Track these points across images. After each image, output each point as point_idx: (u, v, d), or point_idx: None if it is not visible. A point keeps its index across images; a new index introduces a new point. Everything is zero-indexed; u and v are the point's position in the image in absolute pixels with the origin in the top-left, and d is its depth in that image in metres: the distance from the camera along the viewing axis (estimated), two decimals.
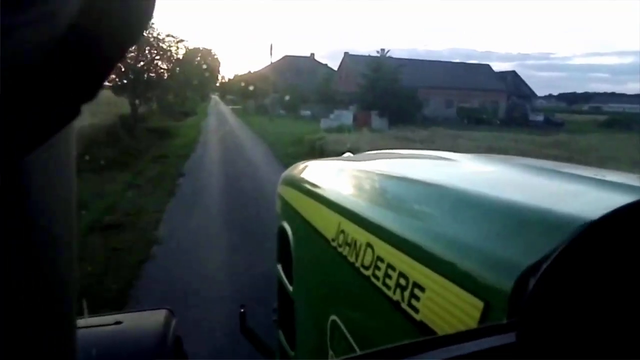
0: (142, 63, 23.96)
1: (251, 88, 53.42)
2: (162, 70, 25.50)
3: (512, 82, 59.58)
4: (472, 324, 0.76)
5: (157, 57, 24.59)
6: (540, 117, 52.12)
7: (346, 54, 56.27)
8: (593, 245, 0.65)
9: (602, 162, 13.03)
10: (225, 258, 6.57)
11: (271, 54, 49.05)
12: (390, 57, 41.99)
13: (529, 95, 61.29)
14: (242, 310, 2.54)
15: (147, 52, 23.70)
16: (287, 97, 45.40)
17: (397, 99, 36.55)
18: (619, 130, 39.72)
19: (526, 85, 61.95)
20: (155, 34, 23.94)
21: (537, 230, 0.82)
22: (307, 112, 43.43)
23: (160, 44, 24.45)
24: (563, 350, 0.60)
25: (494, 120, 48.04)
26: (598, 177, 1.13)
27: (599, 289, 0.64)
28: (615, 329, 0.63)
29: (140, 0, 0.33)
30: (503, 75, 60.67)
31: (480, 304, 0.76)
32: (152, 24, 23.86)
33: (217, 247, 7.05)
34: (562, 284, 0.64)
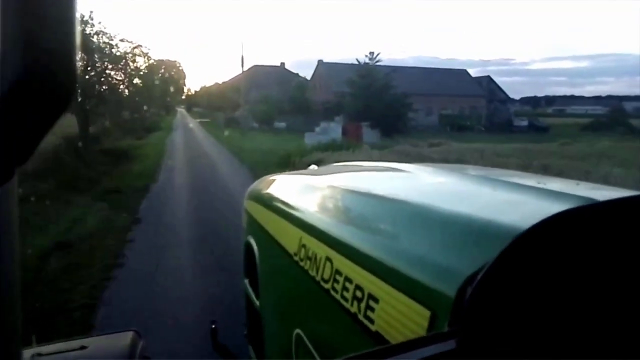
0: (92, 73, 20.10)
1: (220, 100, 49.96)
2: (116, 82, 21.65)
3: (488, 87, 58.01)
4: (421, 332, 0.79)
5: (110, 67, 20.75)
6: (524, 122, 50.19)
7: (320, 62, 53.38)
8: (525, 253, 0.68)
9: None
10: None
11: (242, 65, 45.08)
12: (377, 64, 37.96)
13: (505, 100, 59.76)
14: (213, 326, 2.40)
15: (97, 59, 19.79)
16: (259, 109, 41.78)
17: (390, 108, 33.24)
18: (609, 133, 37.90)
19: (501, 90, 60.51)
20: (106, 39, 20.12)
21: (477, 241, 0.87)
22: (282, 124, 40.02)
23: (113, 51, 20.66)
24: (500, 356, 0.64)
25: (477, 126, 45.86)
26: (539, 185, 1.20)
27: (534, 295, 0.68)
28: (551, 333, 0.66)
29: (68, 65, 0.34)
30: (479, 80, 59.03)
31: (427, 313, 0.79)
32: (105, 28, 20.12)
33: None
34: (498, 292, 0.68)
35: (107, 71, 20.80)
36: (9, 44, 0.32)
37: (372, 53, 38.63)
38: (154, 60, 29.00)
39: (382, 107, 32.86)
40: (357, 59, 39.13)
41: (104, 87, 20.83)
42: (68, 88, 0.35)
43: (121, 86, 22.41)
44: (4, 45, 0.32)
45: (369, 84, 35.18)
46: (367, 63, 38.04)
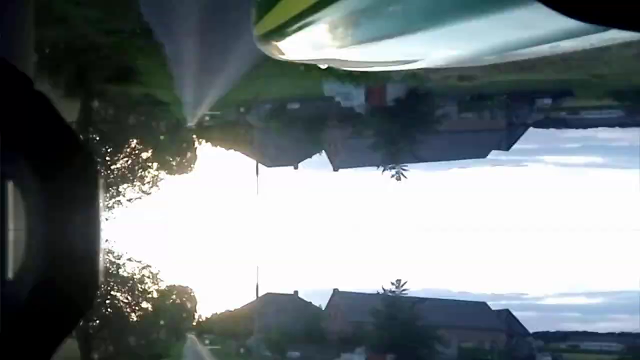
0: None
1: (231, 326, 48.14)
2: (122, 305, 20.77)
3: (506, 320, 55.59)
4: None
5: (116, 288, 20.21)
6: (548, 358, 45.81)
7: (335, 290, 52.83)
8: None
9: None
10: None
11: (257, 294, 44.13)
12: (402, 295, 37.68)
13: (524, 334, 56.64)
14: None
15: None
16: (272, 337, 39.54)
17: (417, 340, 32.33)
18: None
19: (520, 324, 57.84)
20: (112, 258, 19.90)
21: None
22: (296, 354, 37.29)
23: (120, 271, 20.37)
24: None
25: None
26: None
27: None
28: None
29: (89, 274, 0.39)
30: (497, 313, 57.07)
31: None
32: (112, 245, 20.10)
33: None
34: None
35: (113, 292, 20.02)
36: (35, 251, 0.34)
37: (398, 281, 37.87)
38: (166, 286, 28.74)
39: (409, 340, 31.88)
40: (382, 287, 38.38)
41: (108, 309, 19.86)
42: (89, 292, 0.35)
43: (127, 309, 21.47)
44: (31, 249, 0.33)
45: (393, 316, 35.04)
46: (393, 292, 37.44)
